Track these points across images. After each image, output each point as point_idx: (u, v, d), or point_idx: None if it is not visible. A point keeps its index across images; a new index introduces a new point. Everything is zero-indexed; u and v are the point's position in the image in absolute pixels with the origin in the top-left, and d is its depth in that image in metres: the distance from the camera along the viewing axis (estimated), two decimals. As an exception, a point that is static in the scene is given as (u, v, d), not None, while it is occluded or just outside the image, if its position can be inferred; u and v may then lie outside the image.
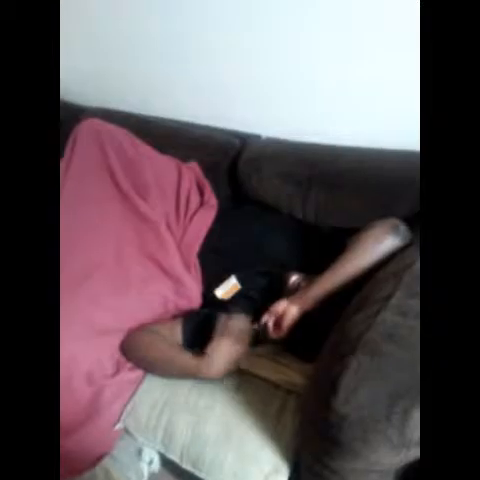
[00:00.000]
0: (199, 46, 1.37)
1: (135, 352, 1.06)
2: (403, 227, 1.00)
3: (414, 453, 0.60)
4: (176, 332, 1.09)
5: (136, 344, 1.07)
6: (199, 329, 1.08)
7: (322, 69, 1.23)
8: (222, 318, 1.07)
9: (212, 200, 1.34)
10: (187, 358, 1.00)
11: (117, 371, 1.05)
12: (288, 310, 0.98)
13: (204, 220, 1.29)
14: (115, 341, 1.07)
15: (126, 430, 1.01)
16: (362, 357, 0.65)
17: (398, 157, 1.17)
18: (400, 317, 0.70)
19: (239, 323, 1.06)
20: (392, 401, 0.60)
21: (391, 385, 0.61)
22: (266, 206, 1.31)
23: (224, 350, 0.99)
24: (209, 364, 0.97)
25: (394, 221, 1.02)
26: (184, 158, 1.39)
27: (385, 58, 1.13)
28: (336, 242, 1.08)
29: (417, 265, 0.81)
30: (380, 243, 0.98)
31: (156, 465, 1.04)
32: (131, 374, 1.05)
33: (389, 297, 0.75)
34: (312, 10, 1.14)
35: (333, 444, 0.64)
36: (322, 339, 0.85)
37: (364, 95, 1.22)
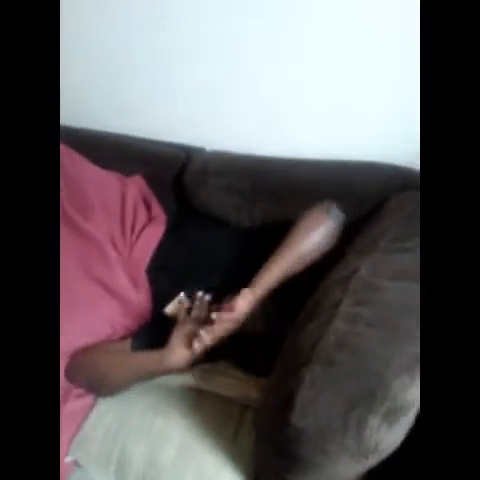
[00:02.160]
0: (143, 57, 1.35)
1: (83, 370, 1.01)
2: (335, 209, 1.05)
3: (372, 461, 0.61)
4: (125, 350, 1.05)
5: (83, 362, 1.02)
6: (150, 346, 1.04)
7: (267, 82, 1.24)
8: (183, 311, 1.05)
9: (160, 215, 1.31)
10: (145, 354, 0.98)
11: (63, 401, 0.99)
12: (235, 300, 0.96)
13: (152, 236, 1.26)
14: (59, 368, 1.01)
15: (76, 463, 0.95)
16: (316, 368, 0.65)
17: (339, 166, 1.21)
18: (350, 325, 0.71)
19: (200, 313, 1.03)
20: (347, 410, 0.60)
21: (346, 394, 0.62)
22: (213, 219, 1.30)
23: (186, 338, 0.96)
24: (171, 352, 0.94)
25: (325, 205, 1.06)
26: (128, 172, 1.36)
27: (331, 66, 1.16)
28: None
29: (362, 271, 0.83)
30: (316, 227, 1.02)
31: (112, 497, 0.99)
32: (79, 402, 1.00)
33: (338, 304, 0.76)
34: (253, 20, 1.15)
35: (292, 459, 0.63)
36: (274, 352, 0.85)
37: (310, 109, 1.25)
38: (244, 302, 0.96)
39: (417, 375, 0.62)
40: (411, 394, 0.61)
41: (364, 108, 1.20)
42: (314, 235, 1.02)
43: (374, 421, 0.59)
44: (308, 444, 0.60)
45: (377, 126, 1.21)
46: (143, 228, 1.27)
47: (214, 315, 0.93)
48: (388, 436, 0.59)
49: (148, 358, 0.97)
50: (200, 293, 1.05)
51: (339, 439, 0.59)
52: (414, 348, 0.65)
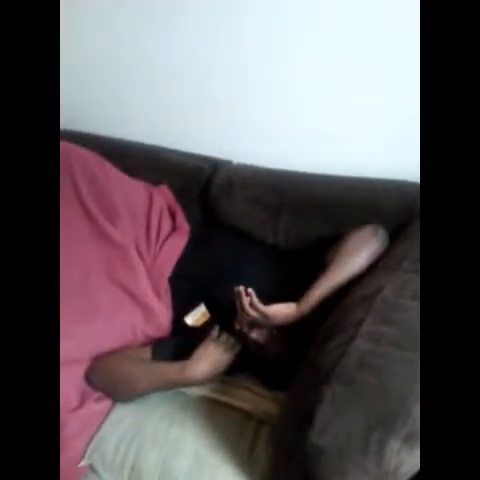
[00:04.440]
0: (172, 72, 1.38)
1: (103, 374, 1.02)
2: (382, 231, 1.05)
3: (390, 484, 0.60)
4: (145, 358, 1.06)
5: (103, 367, 1.03)
6: (171, 356, 1.05)
7: (295, 95, 1.26)
8: (215, 330, 1.05)
9: (184, 225, 1.33)
10: (167, 364, 0.98)
11: (81, 404, 1.00)
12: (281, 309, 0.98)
13: (176, 245, 1.27)
14: (79, 372, 1.03)
15: (91, 467, 0.96)
16: (337, 386, 0.65)
17: (364, 184, 1.21)
18: (372, 344, 0.70)
19: (229, 338, 1.04)
20: (368, 431, 0.59)
21: (366, 415, 0.61)
22: (238, 231, 1.31)
23: (211, 353, 0.98)
24: (195, 364, 0.95)
25: (373, 226, 1.06)
26: (155, 182, 1.38)
27: (359, 79, 1.17)
28: (308, 267, 1.09)
29: (386, 290, 0.82)
30: (365, 247, 1.02)
31: (124, 503, 0.99)
32: (97, 406, 1.01)
33: (360, 323, 0.76)
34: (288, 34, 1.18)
35: (309, 477, 0.63)
36: (293, 368, 0.84)
37: (333, 122, 1.26)
38: (285, 309, 0.97)
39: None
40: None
41: (387, 126, 1.20)
42: (363, 256, 1.01)
43: (395, 444, 0.58)
44: (326, 463, 0.59)
45: (397, 143, 1.21)
46: (167, 237, 1.28)
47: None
48: (408, 459, 0.58)
49: (170, 368, 0.98)
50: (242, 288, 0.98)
51: (358, 460, 0.58)
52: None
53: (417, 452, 0.59)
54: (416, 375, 0.64)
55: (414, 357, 0.66)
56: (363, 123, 1.22)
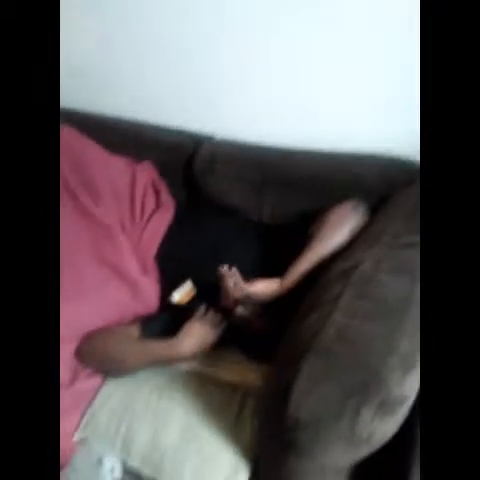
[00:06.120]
0: (154, 44, 1.34)
1: (93, 354, 1.05)
2: (363, 206, 1.07)
3: (364, 451, 0.63)
4: (133, 335, 1.08)
5: (93, 345, 1.05)
6: (159, 333, 1.08)
7: (277, 70, 1.23)
8: (201, 307, 1.08)
9: (168, 202, 1.33)
10: (155, 341, 1.01)
11: (73, 380, 1.03)
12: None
13: (161, 222, 1.27)
14: (69, 349, 1.05)
15: (85, 440, 1.00)
16: (314, 359, 0.67)
17: (347, 159, 1.21)
18: (349, 318, 0.73)
19: (215, 314, 1.06)
20: (343, 400, 0.62)
21: (341, 386, 0.64)
22: (222, 207, 1.31)
23: (198, 329, 1.01)
24: (182, 341, 0.98)
25: (353, 201, 1.08)
26: (136, 158, 1.37)
27: (342, 52, 1.15)
28: (293, 242, 1.10)
29: (364, 264, 0.84)
30: (345, 223, 1.03)
31: (118, 473, 1.03)
32: (88, 382, 1.04)
33: (338, 298, 0.78)
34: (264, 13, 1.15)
35: (288, 445, 0.66)
36: (277, 341, 0.87)
37: (315, 98, 1.24)
38: (268, 286, 0.99)
39: (410, 371, 0.64)
40: (404, 389, 0.63)
41: (370, 100, 1.19)
42: (343, 231, 1.02)
43: (368, 412, 0.61)
44: (303, 432, 0.63)
45: (380, 117, 1.21)
46: (152, 214, 1.29)
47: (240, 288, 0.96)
48: (380, 428, 0.61)
49: (157, 345, 1.00)
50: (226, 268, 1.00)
51: (333, 428, 0.61)
52: (408, 344, 0.66)
53: (389, 420, 0.62)
54: (390, 346, 0.67)
55: (387, 330, 0.69)
56: (346, 96, 1.20)
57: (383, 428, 0.62)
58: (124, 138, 1.41)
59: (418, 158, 1.06)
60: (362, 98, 1.18)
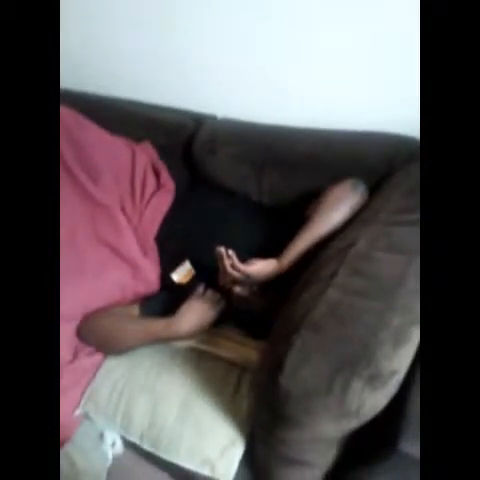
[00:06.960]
0: (157, 23, 1.32)
1: (94, 332, 1.07)
2: (361, 185, 1.06)
3: (354, 423, 0.64)
4: (133, 314, 1.10)
5: (94, 324, 1.07)
6: (158, 312, 1.09)
7: (278, 51, 1.22)
8: (200, 287, 1.09)
9: (169, 183, 1.32)
10: (154, 320, 1.02)
11: (74, 358, 1.06)
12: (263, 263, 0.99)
13: (161, 203, 1.28)
14: (71, 328, 1.07)
15: (86, 415, 1.02)
16: (306, 334, 0.68)
17: (347, 137, 1.20)
18: (342, 295, 0.73)
19: (214, 294, 1.07)
20: (333, 374, 0.63)
21: (332, 359, 0.64)
22: (222, 188, 1.31)
23: (197, 308, 1.02)
24: (180, 320, 0.99)
25: (352, 180, 1.07)
26: (137, 138, 1.36)
27: (342, 31, 1.13)
28: (292, 223, 1.10)
29: (360, 242, 0.84)
30: (343, 201, 1.03)
31: (119, 447, 1.06)
32: (89, 359, 1.06)
33: (333, 275, 0.78)
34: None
35: (280, 417, 0.67)
36: (274, 319, 0.87)
37: (320, 78, 1.23)
38: (266, 265, 0.99)
39: (401, 346, 0.64)
40: (394, 363, 0.63)
41: (370, 79, 1.17)
42: (341, 209, 1.01)
43: (357, 384, 0.61)
44: (294, 404, 0.64)
45: (380, 96, 1.19)
46: (152, 195, 1.29)
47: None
48: (370, 400, 0.62)
49: (157, 324, 1.02)
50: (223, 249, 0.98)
51: (322, 400, 0.62)
52: (400, 320, 0.67)
53: (378, 394, 0.63)
54: (381, 321, 0.67)
55: (379, 306, 0.69)
56: (347, 75, 1.18)
57: (373, 401, 0.62)
58: (121, 119, 1.40)
59: (418, 136, 1.05)
60: (362, 77, 1.17)
